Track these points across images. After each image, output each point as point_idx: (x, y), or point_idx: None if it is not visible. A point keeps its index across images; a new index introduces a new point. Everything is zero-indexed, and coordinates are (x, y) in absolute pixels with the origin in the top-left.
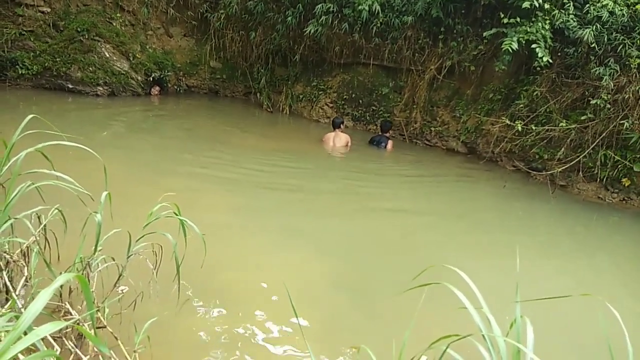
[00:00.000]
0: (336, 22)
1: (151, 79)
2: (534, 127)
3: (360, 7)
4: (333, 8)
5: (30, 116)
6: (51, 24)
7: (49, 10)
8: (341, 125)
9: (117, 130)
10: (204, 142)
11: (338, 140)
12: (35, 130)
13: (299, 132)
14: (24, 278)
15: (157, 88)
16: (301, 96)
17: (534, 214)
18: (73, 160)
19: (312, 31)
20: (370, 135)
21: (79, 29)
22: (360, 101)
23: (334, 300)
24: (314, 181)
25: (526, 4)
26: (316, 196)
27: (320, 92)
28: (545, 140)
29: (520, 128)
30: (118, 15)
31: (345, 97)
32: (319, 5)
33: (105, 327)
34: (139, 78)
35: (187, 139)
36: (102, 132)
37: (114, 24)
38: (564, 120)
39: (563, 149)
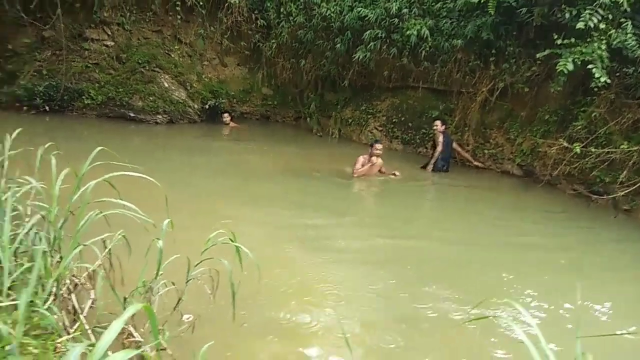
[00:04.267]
0: (384, 47)
1: (207, 107)
2: (593, 150)
3: (408, 32)
4: (381, 34)
5: (99, 148)
6: (114, 57)
7: (112, 43)
8: (370, 148)
9: (175, 157)
10: (257, 167)
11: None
12: (102, 161)
13: (347, 156)
14: (90, 300)
15: (227, 115)
16: (350, 120)
17: (596, 240)
18: (137, 187)
19: (361, 57)
20: (420, 159)
21: (140, 61)
22: (410, 124)
23: (390, 332)
24: (366, 206)
25: (580, 25)
26: (367, 222)
27: (369, 116)
28: (606, 163)
29: (578, 150)
30: (176, 47)
31: (394, 120)
32: (368, 32)
33: (165, 349)
34: (196, 106)
35: (241, 165)
36: (162, 159)
37: (173, 56)
38: (626, 142)
39: (625, 172)
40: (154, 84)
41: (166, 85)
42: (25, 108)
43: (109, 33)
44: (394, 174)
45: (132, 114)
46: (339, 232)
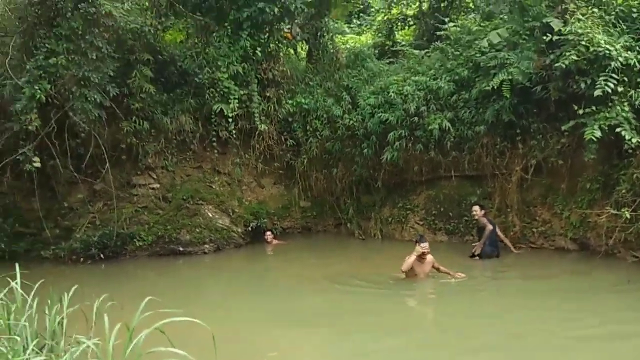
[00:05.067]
0: (410, 144)
1: (250, 228)
2: None
3: (430, 127)
4: (405, 133)
5: (147, 298)
6: (161, 197)
7: (158, 185)
8: (416, 245)
9: (222, 285)
10: (301, 284)
11: None
12: (153, 304)
13: (392, 258)
14: None
15: (270, 234)
16: (390, 219)
17: None
18: (185, 327)
19: (389, 157)
20: (467, 247)
21: (184, 197)
22: (451, 214)
23: None
24: (421, 318)
25: (598, 92)
26: (425, 340)
27: (408, 212)
28: None
29: (628, 215)
30: (216, 178)
31: (434, 212)
32: (391, 133)
33: None
34: (239, 230)
35: (285, 283)
36: (209, 290)
37: (214, 187)
38: None
39: None
40: (199, 216)
41: (210, 215)
42: (82, 259)
43: (154, 177)
44: (459, 275)
45: (181, 248)
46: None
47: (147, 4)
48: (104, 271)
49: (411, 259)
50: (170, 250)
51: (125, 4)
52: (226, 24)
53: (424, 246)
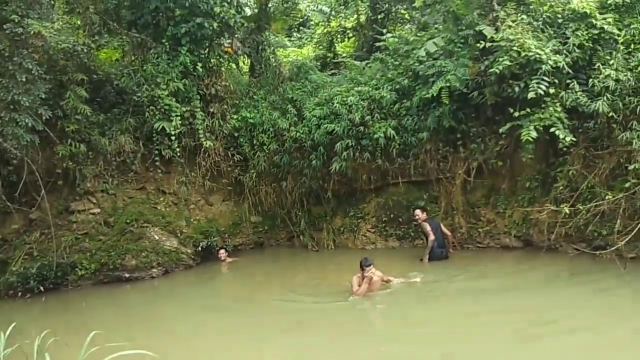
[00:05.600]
0: (357, 153)
1: (200, 248)
2: (581, 207)
3: (376, 136)
4: (352, 143)
5: (93, 332)
6: (102, 222)
7: (98, 210)
8: (361, 270)
9: (171, 311)
10: (257, 303)
11: None
12: (98, 345)
13: (346, 267)
14: None
15: (223, 252)
16: (342, 228)
17: (612, 299)
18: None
19: (337, 167)
20: (418, 251)
21: (127, 221)
22: (400, 219)
23: None
24: (375, 327)
25: (531, 94)
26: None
27: (359, 221)
28: (598, 216)
29: (567, 210)
30: (161, 199)
31: (384, 219)
32: (338, 144)
33: None
34: (189, 251)
35: (239, 303)
36: (158, 317)
37: (159, 208)
38: (609, 192)
39: (619, 220)
40: (144, 239)
41: (157, 237)
42: (19, 294)
43: (94, 201)
44: (413, 280)
45: (127, 275)
46: None
47: (78, 22)
48: (45, 305)
49: (364, 286)
50: (116, 278)
51: (56, 23)
52: (164, 40)
53: (371, 270)
